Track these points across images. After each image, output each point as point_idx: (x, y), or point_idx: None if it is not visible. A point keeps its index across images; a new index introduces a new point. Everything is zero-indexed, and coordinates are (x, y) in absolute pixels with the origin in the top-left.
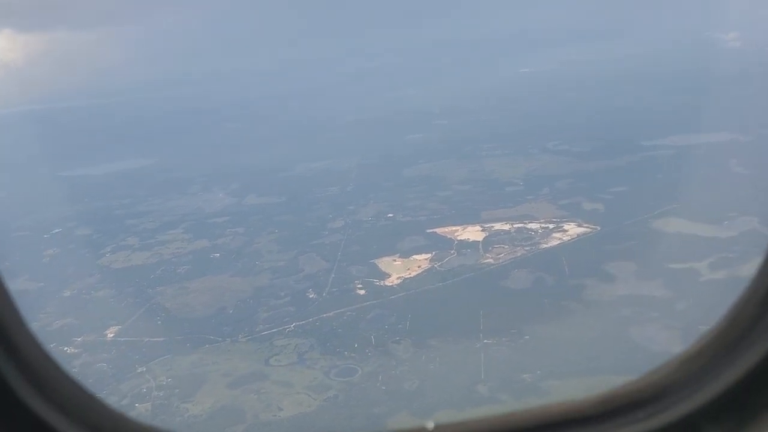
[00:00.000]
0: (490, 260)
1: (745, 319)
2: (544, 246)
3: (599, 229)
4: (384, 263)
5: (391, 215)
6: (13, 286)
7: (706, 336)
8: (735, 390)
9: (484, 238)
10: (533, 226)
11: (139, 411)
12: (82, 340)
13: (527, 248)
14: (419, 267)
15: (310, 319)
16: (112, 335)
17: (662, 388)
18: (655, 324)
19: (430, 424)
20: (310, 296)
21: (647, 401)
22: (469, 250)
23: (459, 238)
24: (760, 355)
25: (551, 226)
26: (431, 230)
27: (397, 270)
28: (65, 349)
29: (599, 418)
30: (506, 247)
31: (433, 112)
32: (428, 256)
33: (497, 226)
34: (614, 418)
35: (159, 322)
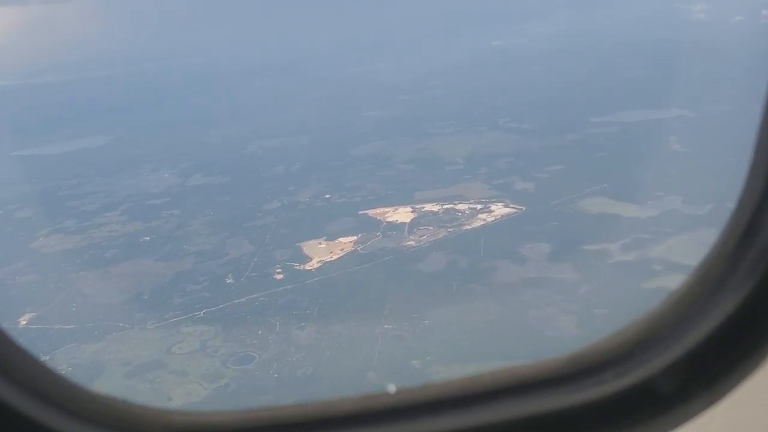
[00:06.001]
0: (412, 242)
1: (713, 275)
2: (467, 227)
3: (524, 209)
4: (309, 246)
5: (328, 196)
6: None
7: (674, 294)
8: (704, 348)
9: (411, 220)
10: (462, 207)
11: None
12: None
13: (450, 230)
14: (342, 250)
15: (221, 306)
16: (25, 322)
17: (630, 348)
18: (554, 308)
19: (392, 388)
20: (228, 281)
21: (615, 361)
22: (394, 232)
23: (388, 219)
24: (728, 313)
25: (479, 206)
26: (363, 212)
27: (320, 253)
28: None
29: (567, 379)
30: (431, 228)
31: (401, 88)
32: (354, 238)
33: (427, 207)
34: (582, 378)
35: (74, 309)
